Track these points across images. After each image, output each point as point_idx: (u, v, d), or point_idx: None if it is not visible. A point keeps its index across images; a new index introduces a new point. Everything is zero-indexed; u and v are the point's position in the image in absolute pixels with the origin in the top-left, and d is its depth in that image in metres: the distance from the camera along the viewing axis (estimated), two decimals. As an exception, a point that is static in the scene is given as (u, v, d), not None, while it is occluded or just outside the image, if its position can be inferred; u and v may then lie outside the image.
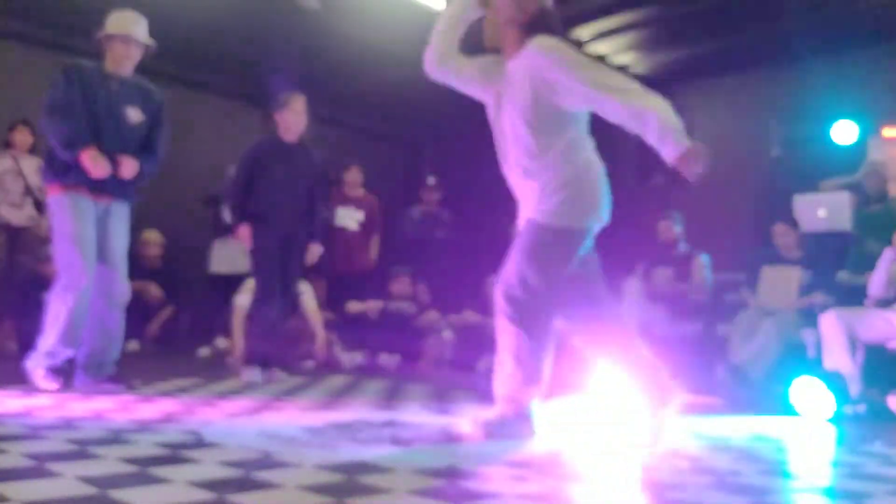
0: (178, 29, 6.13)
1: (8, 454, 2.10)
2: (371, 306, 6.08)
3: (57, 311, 3.57)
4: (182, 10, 5.76)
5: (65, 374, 3.62)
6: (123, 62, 3.74)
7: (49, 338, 3.57)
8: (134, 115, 3.75)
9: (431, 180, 7.27)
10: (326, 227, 6.69)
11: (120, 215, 3.77)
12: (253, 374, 4.33)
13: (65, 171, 3.56)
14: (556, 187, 2.76)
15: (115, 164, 3.62)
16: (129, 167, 3.66)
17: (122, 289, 3.78)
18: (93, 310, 3.70)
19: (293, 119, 4.49)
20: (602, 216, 2.88)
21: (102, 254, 3.69)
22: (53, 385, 3.52)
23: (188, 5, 5.71)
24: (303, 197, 4.56)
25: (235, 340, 5.31)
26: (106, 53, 3.74)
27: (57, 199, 3.61)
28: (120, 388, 3.64)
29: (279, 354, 4.77)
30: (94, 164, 3.51)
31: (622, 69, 7.41)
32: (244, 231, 4.43)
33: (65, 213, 3.58)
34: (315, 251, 4.68)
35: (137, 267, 6.15)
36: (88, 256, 3.58)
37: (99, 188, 3.61)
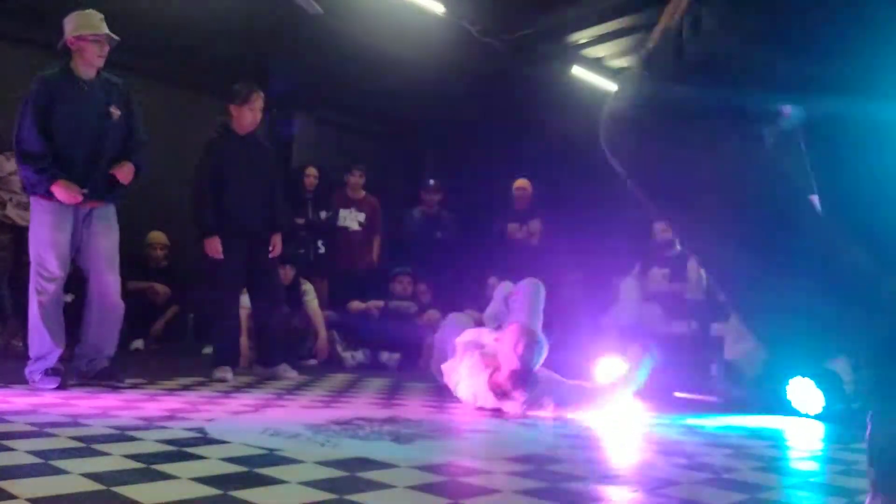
0: (182, 33, 6.17)
1: (14, 452, 2.11)
2: (372, 305, 6.12)
3: (32, 315, 3.69)
4: (186, 14, 5.79)
5: (61, 373, 3.66)
6: (97, 61, 3.79)
7: (34, 344, 3.68)
8: (115, 112, 3.84)
9: (432, 182, 7.31)
10: (331, 227, 6.74)
11: (104, 217, 3.84)
12: (223, 372, 4.33)
13: (46, 192, 3.66)
14: None
15: (99, 170, 3.73)
16: (126, 173, 3.79)
17: (112, 286, 3.84)
18: (87, 306, 3.81)
19: (251, 116, 4.48)
20: None
21: (90, 255, 3.79)
22: (52, 384, 3.57)
23: (192, 10, 5.73)
24: (262, 190, 4.51)
25: (242, 339, 5.35)
26: (74, 55, 3.77)
27: (38, 203, 3.72)
28: (111, 383, 3.71)
29: (287, 351, 4.79)
30: (66, 193, 3.63)
31: (619, 73, 7.44)
32: (214, 245, 4.34)
33: (43, 219, 3.69)
34: (277, 243, 4.60)
35: (143, 267, 6.23)
36: (58, 261, 3.68)
37: (87, 197, 3.71)
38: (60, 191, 3.62)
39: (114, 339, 3.90)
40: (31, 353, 3.69)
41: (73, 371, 3.81)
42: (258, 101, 4.49)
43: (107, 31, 3.78)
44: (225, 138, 4.49)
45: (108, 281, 3.83)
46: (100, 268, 3.81)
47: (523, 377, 3.37)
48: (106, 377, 3.77)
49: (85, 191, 3.68)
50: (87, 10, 3.79)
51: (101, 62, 3.80)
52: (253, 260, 4.45)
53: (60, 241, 3.68)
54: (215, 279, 4.48)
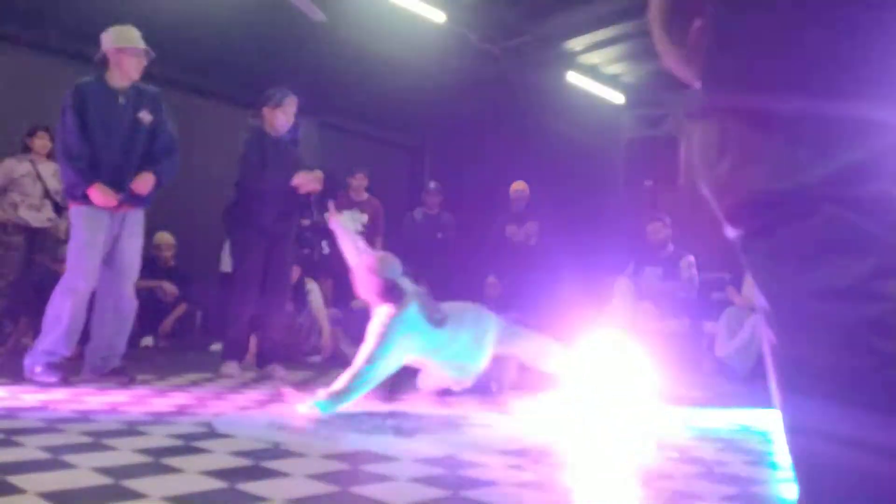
0: (190, 39, 6.22)
1: (24, 447, 2.15)
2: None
3: (57, 311, 3.72)
4: (194, 21, 5.84)
5: (63, 369, 3.71)
6: (133, 73, 3.91)
7: (48, 337, 3.71)
8: (145, 117, 3.94)
9: (433, 184, 7.35)
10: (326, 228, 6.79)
11: (135, 221, 3.96)
12: (231, 367, 4.36)
13: (82, 196, 3.76)
14: None
15: (131, 176, 3.84)
16: (144, 184, 3.89)
17: (131, 289, 3.95)
18: (101, 306, 3.87)
19: (283, 119, 4.53)
20: None
21: (114, 256, 3.87)
22: (52, 379, 3.61)
23: (200, 17, 5.79)
24: (288, 193, 4.52)
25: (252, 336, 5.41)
26: (112, 66, 3.88)
27: (76, 210, 3.83)
28: (124, 380, 3.75)
29: (285, 350, 4.83)
30: (102, 197, 3.73)
31: (614, 78, 7.50)
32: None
33: (80, 223, 3.79)
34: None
35: (151, 267, 6.30)
36: (93, 262, 3.76)
37: (120, 201, 3.82)
38: (97, 194, 3.72)
39: (126, 337, 3.99)
40: (40, 345, 3.72)
41: (86, 367, 3.86)
42: (292, 105, 4.55)
43: (145, 46, 3.91)
44: (259, 139, 4.55)
45: (128, 284, 3.93)
46: (122, 271, 3.90)
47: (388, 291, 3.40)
48: (118, 374, 3.82)
49: (120, 196, 3.79)
50: (127, 26, 3.93)
51: (137, 75, 3.92)
52: (268, 260, 4.50)
53: (96, 245, 3.78)
54: (234, 275, 4.54)
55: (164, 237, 6.44)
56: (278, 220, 4.51)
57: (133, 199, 3.89)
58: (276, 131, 4.57)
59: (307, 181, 4.48)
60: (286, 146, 4.65)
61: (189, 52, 6.57)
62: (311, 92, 7.65)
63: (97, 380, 3.77)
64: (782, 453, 2.78)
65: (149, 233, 6.30)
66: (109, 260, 3.87)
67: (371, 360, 3.19)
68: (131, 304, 3.96)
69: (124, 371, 3.84)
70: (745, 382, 4.51)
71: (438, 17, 5.77)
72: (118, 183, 3.81)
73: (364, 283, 3.45)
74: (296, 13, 5.42)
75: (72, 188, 3.78)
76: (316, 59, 6.67)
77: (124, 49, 3.86)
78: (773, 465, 2.50)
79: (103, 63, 3.90)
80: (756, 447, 2.77)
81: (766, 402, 3.77)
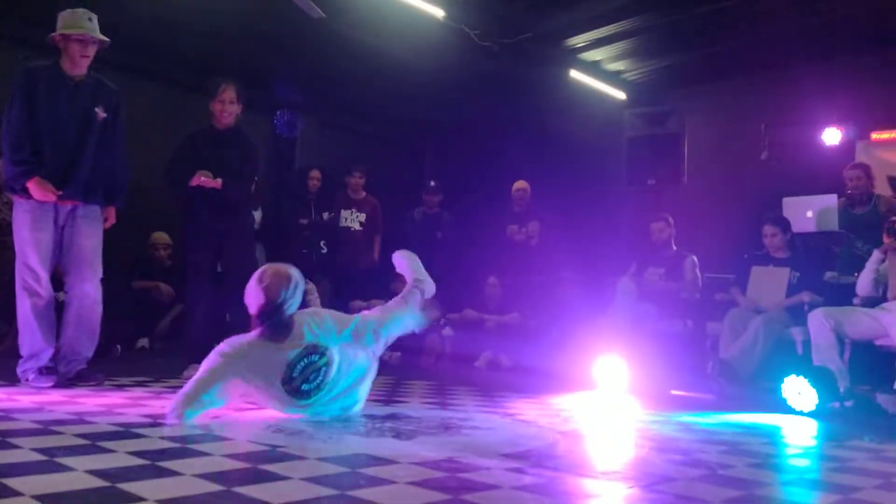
0: (189, 37, 6.21)
1: (20, 449, 2.13)
2: (374, 304, 6.15)
3: (22, 314, 3.66)
4: (191, 17, 5.82)
5: (56, 372, 3.66)
6: (81, 61, 3.75)
7: (25, 341, 3.66)
8: (100, 113, 3.80)
9: (433, 183, 7.35)
10: (333, 227, 6.79)
11: (88, 216, 3.81)
12: (194, 370, 4.22)
13: (22, 189, 3.65)
14: None
15: (80, 169, 3.72)
16: (112, 218, 3.90)
17: (90, 288, 3.81)
18: (66, 309, 3.78)
19: (219, 108, 4.44)
20: None
21: (71, 255, 3.76)
22: (47, 383, 3.56)
23: (198, 14, 5.77)
24: (233, 186, 4.39)
25: None
26: (62, 53, 3.74)
27: (18, 204, 3.70)
28: (92, 383, 3.68)
29: None
30: (40, 191, 3.60)
31: (616, 76, 7.50)
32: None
33: (23, 218, 3.66)
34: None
35: (147, 267, 6.28)
36: (44, 260, 3.66)
37: (63, 195, 3.69)
38: (35, 188, 3.59)
39: (92, 341, 3.85)
40: (23, 351, 3.67)
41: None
42: (224, 93, 4.43)
43: (92, 31, 3.73)
44: (204, 131, 4.48)
45: (86, 282, 3.79)
46: (80, 269, 3.78)
47: (267, 312, 2.93)
48: (83, 379, 3.72)
49: (60, 192, 3.65)
50: (77, 10, 3.75)
51: (85, 62, 3.76)
52: (220, 255, 4.40)
53: (41, 240, 3.66)
54: (185, 272, 4.45)
55: (160, 236, 6.43)
56: (222, 214, 4.36)
57: (83, 195, 3.75)
58: (220, 123, 4.46)
59: (200, 177, 4.29)
60: (232, 139, 4.50)
61: (187, 49, 6.56)
62: (310, 90, 7.66)
63: (64, 385, 3.64)
64: (787, 456, 2.77)
65: (145, 232, 6.33)
66: (68, 258, 3.77)
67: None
68: (96, 306, 3.82)
69: (91, 374, 3.75)
70: (748, 384, 4.49)
71: (437, 12, 5.76)
72: (64, 177, 3.67)
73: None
74: (295, 11, 5.39)
75: (11, 181, 3.64)
76: (315, 56, 6.66)
77: (68, 35, 3.69)
78: (778, 468, 2.49)
79: (56, 48, 3.74)
80: (760, 450, 2.77)
81: (770, 405, 3.78)
